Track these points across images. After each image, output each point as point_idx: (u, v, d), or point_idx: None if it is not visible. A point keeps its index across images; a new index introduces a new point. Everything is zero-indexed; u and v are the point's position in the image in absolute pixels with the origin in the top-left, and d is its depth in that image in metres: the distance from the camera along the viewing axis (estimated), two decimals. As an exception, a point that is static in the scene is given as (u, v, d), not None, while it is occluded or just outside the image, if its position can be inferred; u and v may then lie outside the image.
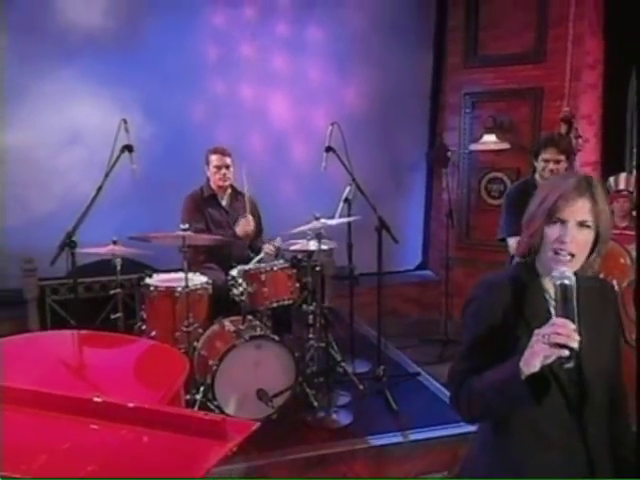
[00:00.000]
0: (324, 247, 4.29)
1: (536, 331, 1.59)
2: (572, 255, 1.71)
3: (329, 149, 4.25)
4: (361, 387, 4.40)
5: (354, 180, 4.30)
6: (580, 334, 1.59)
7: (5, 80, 5.46)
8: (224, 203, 4.63)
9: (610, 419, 1.88)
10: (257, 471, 3.59)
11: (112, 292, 4.19)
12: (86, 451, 2.16)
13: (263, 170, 5.40)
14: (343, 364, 4.57)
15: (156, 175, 5.22)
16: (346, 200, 4.41)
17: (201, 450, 2.03)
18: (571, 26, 5.85)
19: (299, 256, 4.35)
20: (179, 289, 4.03)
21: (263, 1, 6.11)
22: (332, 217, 4.34)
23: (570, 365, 1.59)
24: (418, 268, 6.96)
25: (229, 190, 4.63)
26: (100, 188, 3.79)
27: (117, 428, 2.16)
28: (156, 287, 4.10)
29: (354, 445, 3.81)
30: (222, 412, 3.89)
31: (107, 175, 3.84)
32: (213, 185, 4.58)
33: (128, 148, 3.89)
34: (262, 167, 5.46)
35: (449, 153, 6.23)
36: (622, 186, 4.67)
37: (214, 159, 4.53)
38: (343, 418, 4.07)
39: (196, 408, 3.87)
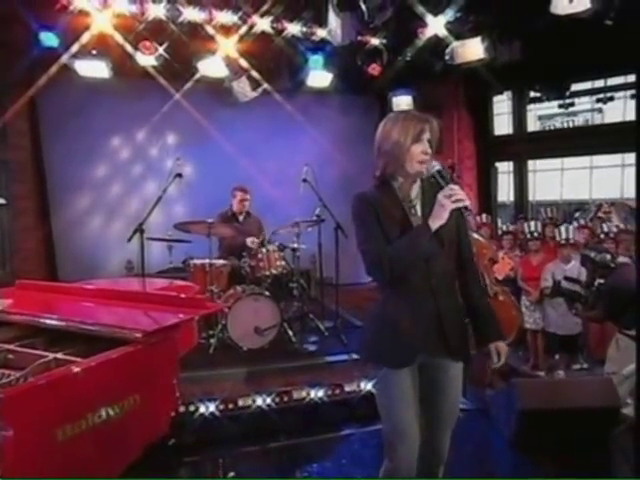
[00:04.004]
0: (302, 246, 4.20)
1: (440, 194, 1.56)
2: (429, 158, 1.65)
3: (304, 180, 4.22)
4: (326, 334, 4.18)
5: (321, 200, 4.23)
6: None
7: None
8: (241, 219, 4.53)
9: (459, 276, 1.75)
10: (257, 374, 3.44)
11: (168, 266, 4.04)
12: (125, 315, 2.06)
13: (272, 201, 5.23)
14: (314, 319, 4.31)
15: (204, 210, 5.10)
16: (317, 216, 4.30)
17: (191, 311, 1.96)
18: (455, 134, 6.16)
19: (284, 243, 4.21)
20: (207, 266, 3.92)
21: (273, 121, 6.24)
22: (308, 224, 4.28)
23: (467, 214, 1.55)
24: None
25: (244, 212, 4.55)
26: (160, 198, 3.75)
27: (143, 306, 2.09)
28: (194, 264, 4.01)
29: (317, 361, 3.66)
30: (232, 341, 3.67)
31: (165, 191, 3.79)
32: (235, 209, 4.52)
33: (179, 175, 3.86)
34: (270, 200, 5.25)
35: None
36: (484, 220, 5.11)
37: (238, 194, 4.48)
38: (310, 347, 3.92)
39: (215, 339, 3.68)
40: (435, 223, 1.54)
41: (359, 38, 5.11)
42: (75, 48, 4.53)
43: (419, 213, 1.68)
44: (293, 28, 5.05)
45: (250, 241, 4.26)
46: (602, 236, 4.50)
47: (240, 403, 3.06)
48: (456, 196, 1.53)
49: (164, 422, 1.83)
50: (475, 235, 3.85)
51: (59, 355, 1.73)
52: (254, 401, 3.07)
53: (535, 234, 4.61)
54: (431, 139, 1.67)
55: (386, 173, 1.70)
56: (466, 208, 1.53)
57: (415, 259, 1.61)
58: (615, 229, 4.65)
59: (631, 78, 6.27)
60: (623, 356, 3.04)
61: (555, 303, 4.21)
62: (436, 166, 1.62)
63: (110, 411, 1.52)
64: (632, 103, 7.24)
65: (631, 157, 11.37)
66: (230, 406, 3.02)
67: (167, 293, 2.14)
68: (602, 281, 3.25)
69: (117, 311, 2.05)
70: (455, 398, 1.76)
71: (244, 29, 4.89)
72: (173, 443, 2.67)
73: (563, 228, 4.33)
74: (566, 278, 3.70)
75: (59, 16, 4.32)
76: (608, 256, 3.29)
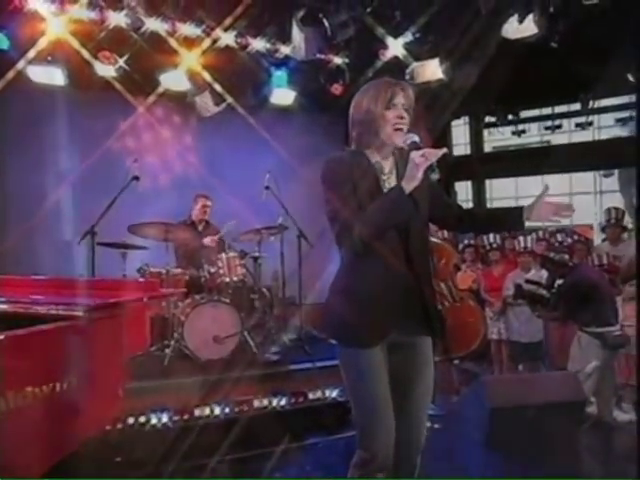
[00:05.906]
0: (264, 254, 4.07)
1: (413, 154, 1.43)
2: (405, 125, 1.56)
3: (267, 187, 4.14)
4: (289, 344, 4.01)
5: (284, 207, 4.14)
6: None
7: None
8: (200, 229, 4.32)
9: (445, 217, 1.72)
10: (215, 383, 3.16)
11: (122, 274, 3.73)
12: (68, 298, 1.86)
13: (233, 212, 4.96)
14: (277, 330, 4.13)
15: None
16: (280, 225, 4.19)
17: (140, 294, 1.79)
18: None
19: (245, 250, 4.05)
20: (164, 273, 3.70)
21: (236, 136, 6.10)
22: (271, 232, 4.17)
23: (436, 176, 1.45)
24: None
25: (204, 222, 4.37)
26: (115, 199, 3.54)
27: (106, 294, 1.92)
28: (150, 272, 3.75)
29: (279, 369, 3.47)
30: (190, 351, 3.44)
31: (121, 191, 3.59)
32: (194, 217, 4.33)
33: (136, 178, 3.68)
34: (232, 211, 5.01)
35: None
36: (446, 235, 4.81)
37: (201, 200, 4.31)
38: (273, 357, 3.71)
39: (170, 349, 3.43)
40: (410, 184, 1.42)
41: (322, 56, 5.21)
42: (29, 53, 4.34)
43: None
44: (257, 44, 5.09)
45: (209, 240, 4.07)
46: (557, 245, 4.66)
47: (197, 413, 2.83)
48: (430, 155, 1.43)
49: (105, 415, 1.62)
50: (438, 241, 3.89)
51: (-16, 336, 1.51)
52: (212, 411, 2.85)
53: (494, 245, 4.75)
54: (406, 105, 1.57)
55: (361, 144, 1.61)
56: (433, 170, 1.44)
57: (387, 226, 1.49)
58: (570, 240, 4.84)
59: (574, 107, 6.77)
60: (585, 353, 3.06)
61: (517, 311, 4.27)
62: (413, 137, 1.51)
63: (37, 392, 1.31)
64: (577, 134, 7.92)
65: (579, 185, 12.08)
66: (185, 417, 2.78)
67: (117, 278, 1.96)
68: (562, 282, 3.30)
69: (60, 296, 1.85)
70: (430, 379, 1.63)
71: (207, 42, 4.87)
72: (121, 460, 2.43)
73: (522, 238, 4.47)
74: (527, 281, 3.76)
75: (11, 17, 4.17)
76: (566, 256, 3.36)
